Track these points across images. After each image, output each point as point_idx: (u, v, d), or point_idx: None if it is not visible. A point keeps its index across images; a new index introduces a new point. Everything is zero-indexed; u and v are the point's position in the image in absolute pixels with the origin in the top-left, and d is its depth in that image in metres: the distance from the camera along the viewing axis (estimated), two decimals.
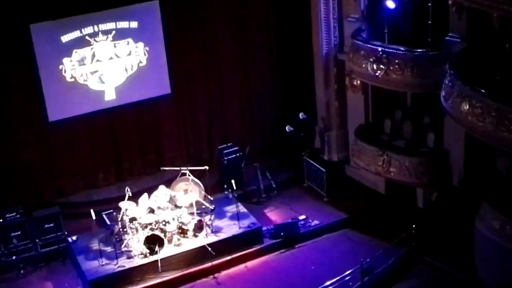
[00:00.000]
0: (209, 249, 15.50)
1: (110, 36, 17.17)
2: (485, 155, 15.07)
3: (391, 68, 15.49)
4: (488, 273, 14.01)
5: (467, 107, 13.44)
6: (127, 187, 16.06)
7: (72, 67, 17.01)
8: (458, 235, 15.15)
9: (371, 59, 15.80)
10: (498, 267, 13.76)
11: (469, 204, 14.87)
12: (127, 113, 17.90)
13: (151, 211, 15.81)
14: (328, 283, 14.57)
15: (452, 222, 15.44)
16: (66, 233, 16.24)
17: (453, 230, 15.33)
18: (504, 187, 14.46)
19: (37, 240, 16.09)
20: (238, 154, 18.02)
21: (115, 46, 17.32)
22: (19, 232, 15.88)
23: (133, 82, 17.73)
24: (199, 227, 15.82)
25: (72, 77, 17.08)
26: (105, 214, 16.44)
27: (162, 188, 16.16)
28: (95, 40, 17.05)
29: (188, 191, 16.50)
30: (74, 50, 16.91)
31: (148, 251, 15.28)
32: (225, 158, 17.94)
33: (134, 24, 17.39)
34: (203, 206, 16.50)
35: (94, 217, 15.94)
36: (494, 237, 13.74)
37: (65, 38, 16.75)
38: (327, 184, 17.96)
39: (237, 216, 16.35)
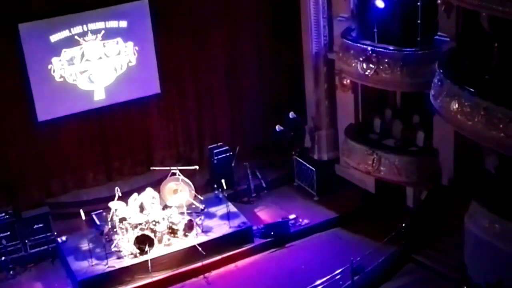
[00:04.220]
0: (200, 248, 15.48)
1: (99, 36, 17.11)
2: (475, 154, 15.14)
3: (381, 67, 15.54)
4: (477, 271, 14.06)
5: (456, 106, 13.50)
6: (116, 187, 16.01)
7: (61, 67, 16.94)
8: (448, 233, 15.20)
9: (360, 58, 15.84)
10: (487, 266, 13.81)
11: (459, 203, 14.92)
12: (116, 113, 17.84)
13: (141, 208, 15.77)
14: (318, 282, 14.59)
15: (441, 221, 15.49)
16: (55, 233, 16.18)
17: (443, 229, 15.39)
18: (494, 186, 14.52)
19: (26, 241, 16.03)
20: (228, 154, 18.01)
21: (104, 46, 17.26)
22: (8, 233, 15.80)
23: (122, 82, 17.68)
24: (189, 227, 15.81)
25: (61, 76, 17.01)
26: (95, 214, 16.39)
27: (149, 190, 16.11)
28: (84, 40, 16.99)
29: (178, 191, 16.47)
30: (63, 50, 16.84)
31: (138, 251, 15.25)
32: (215, 157, 17.92)
33: (123, 24, 17.33)
34: (193, 206, 16.47)
35: (83, 217, 15.90)
36: (483, 235, 13.79)
37: (54, 38, 16.68)
38: (317, 183, 17.98)
39: (227, 216, 16.34)
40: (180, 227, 15.74)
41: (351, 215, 17.23)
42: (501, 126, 12.65)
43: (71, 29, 16.78)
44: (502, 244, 13.44)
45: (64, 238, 16.06)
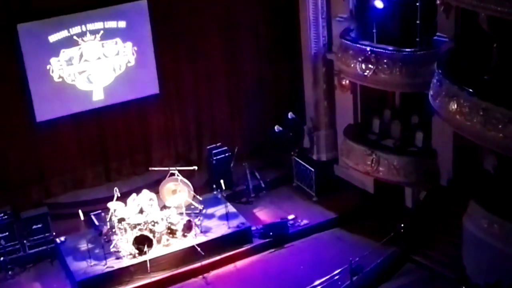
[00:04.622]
0: (198, 249, 15.48)
1: (98, 36, 17.11)
2: (473, 154, 15.16)
3: (380, 67, 15.54)
4: (476, 271, 14.07)
5: (455, 106, 13.50)
6: (115, 188, 16.00)
7: (59, 67, 16.93)
8: (446, 234, 15.21)
9: (359, 59, 15.84)
10: (486, 266, 13.82)
11: (457, 203, 14.93)
12: (115, 113, 17.84)
13: (140, 211, 15.76)
14: (317, 282, 14.59)
15: (440, 221, 15.50)
16: (54, 233, 16.16)
17: (442, 229, 15.39)
18: (492, 186, 14.53)
19: (25, 241, 16.01)
20: (227, 154, 18.02)
21: (103, 46, 17.26)
22: (7, 233, 15.80)
23: (121, 82, 17.67)
24: (188, 227, 15.80)
25: (60, 77, 17.01)
26: (94, 215, 16.39)
27: (145, 192, 16.09)
28: (83, 40, 16.99)
29: (177, 191, 16.46)
30: (62, 50, 16.84)
31: (137, 251, 15.24)
32: (214, 158, 17.92)
33: (122, 24, 17.33)
34: (192, 206, 16.47)
35: (82, 218, 15.91)
36: (482, 235, 13.81)
37: (52, 38, 16.68)
38: (316, 184, 17.99)
39: (226, 216, 16.33)
40: (179, 227, 15.73)
41: (350, 216, 17.22)
42: (499, 126, 12.66)
43: (70, 29, 16.78)
44: (501, 244, 13.46)
45: (63, 238, 16.04)
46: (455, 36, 14.84)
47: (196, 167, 17.21)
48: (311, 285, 14.56)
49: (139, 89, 17.90)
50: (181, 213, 16.06)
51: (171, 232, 15.73)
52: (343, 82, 17.41)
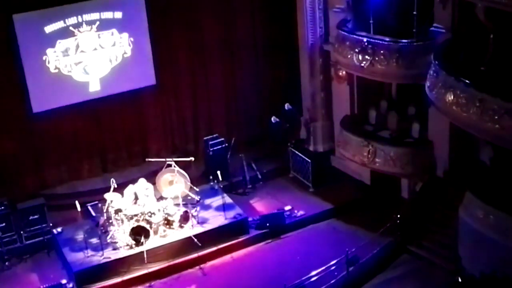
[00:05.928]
0: (195, 240, 15.51)
1: (94, 27, 17.07)
2: (469, 145, 15.18)
3: (376, 58, 15.53)
4: (471, 262, 14.12)
5: (452, 97, 13.51)
6: (112, 179, 16.00)
7: (56, 58, 16.89)
8: (442, 225, 15.26)
9: (356, 50, 15.83)
10: (481, 257, 13.87)
11: (453, 194, 14.97)
12: (111, 104, 17.81)
13: (136, 197, 15.76)
14: (313, 273, 14.62)
15: (436, 212, 15.54)
16: (51, 224, 16.17)
17: (438, 220, 15.44)
18: (488, 177, 14.57)
19: (21, 232, 16.02)
20: (223, 145, 18.01)
21: (99, 37, 17.21)
22: (4, 224, 15.80)
23: (117, 73, 17.64)
24: (184, 218, 15.82)
25: (56, 68, 16.97)
26: (90, 206, 16.38)
27: (142, 181, 16.10)
28: (79, 31, 16.94)
29: (173, 182, 16.47)
30: (58, 41, 16.80)
31: (133, 242, 15.26)
32: (211, 149, 17.92)
33: (118, 15, 17.28)
34: (189, 197, 16.48)
35: (79, 209, 15.92)
36: (477, 226, 13.84)
37: (48, 29, 16.63)
38: (312, 175, 18.01)
39: (223, 207, 16.35)
40: (176, 218, 15.76)
41: (347, 207, 17.26)
42: (496, 117, 12.67)
43: (66, 20, 16.73)
44: (496, 235, 13.50)
45: (59, 229, 16.06)
46: (451, 27, 14.84)
47: (192, 158, 17.20)
48: (308, 276, 14.59)
49: (136, 80, 17.87)
50: (178, 204, 16.07)
51: (168, 223, 15.75)
52: (340, 73, 17.41)
